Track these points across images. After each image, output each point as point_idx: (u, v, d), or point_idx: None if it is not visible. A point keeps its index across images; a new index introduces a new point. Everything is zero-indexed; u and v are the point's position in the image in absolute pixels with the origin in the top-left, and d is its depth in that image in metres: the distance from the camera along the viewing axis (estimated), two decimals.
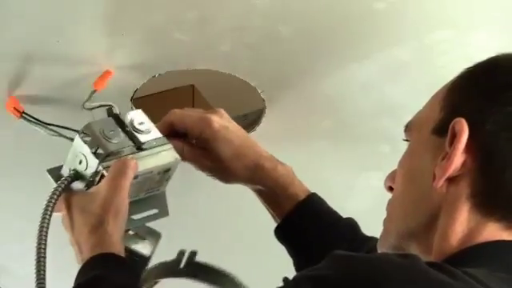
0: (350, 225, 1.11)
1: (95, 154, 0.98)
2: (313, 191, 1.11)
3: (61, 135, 1.08)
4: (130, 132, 1.01)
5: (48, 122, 1.20)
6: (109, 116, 1.03)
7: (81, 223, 0.96)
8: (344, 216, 1.12)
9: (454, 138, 0.77)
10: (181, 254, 1.21)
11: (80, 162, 0.99)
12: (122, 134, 1.00)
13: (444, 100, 0.82)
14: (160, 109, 1.47)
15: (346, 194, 1.66)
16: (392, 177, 0.90)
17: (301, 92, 1.38)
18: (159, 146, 1.02)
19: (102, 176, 0.98)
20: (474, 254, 0.75)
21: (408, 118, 0.89)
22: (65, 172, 1.02)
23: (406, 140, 0.89)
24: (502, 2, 1.18)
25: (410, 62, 1.29)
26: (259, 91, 1.36)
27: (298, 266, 1.10)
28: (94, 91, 1.06)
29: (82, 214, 0.96)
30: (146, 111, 1.44)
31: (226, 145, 1.06)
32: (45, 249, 0.95)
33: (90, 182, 0.99)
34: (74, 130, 1.04)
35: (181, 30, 1.21)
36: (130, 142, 1.00)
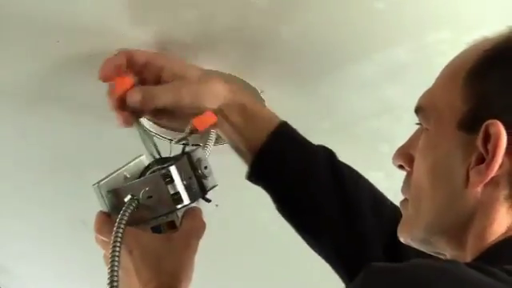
0: (325, 151, 1.09)
1: (173, 199, 0.94)
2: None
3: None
4: (199, 178, 0.97)
5: None
6: (183, 154, 0.98)
7: (144, 275, 0.91)
8: None
9: (488, 139, 0.74)
10: None
11: (149, 197, 0.93)
12: (196, 183, 0.96)
13: (467, 88, 0.78)
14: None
15: None
16: (403, 155, 0.87)
17: (300, 92, 1.38)
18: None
19: (173, 223, 0.95)
20: (509, 246, 0.73)
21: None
22: (123, 192, 0.95)
23: (419, 124, 0.86)
24: (502, 2, 1.18)
25: (410, 62, 1.28)
26: (259, 91, 1.36)
27: (277, 200, 1.07)
28: (196, 130, 0.97)
29: (150, 265, 0.91)
30: None
31: (193, 70, 1.03)
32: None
33: (153, 221, 0.95)
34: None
35: (180, 30, 1.21)
36: (200, 193, 0.97)
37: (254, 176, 1.06)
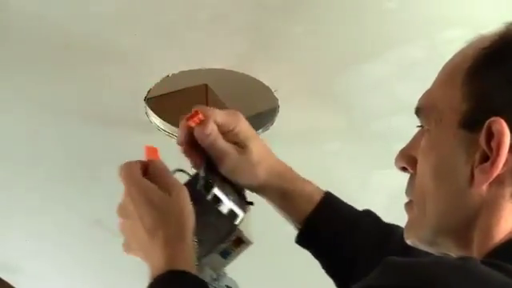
0: (372, 217, 1.08)
1: (229, 217, 0.95)
2: (325, 189, 1.09)
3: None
4: (233, 187, 0.98)
5: None
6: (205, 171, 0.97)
7: (149, 222, 0.91)
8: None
9: (491, 136, 0.73)
10: None
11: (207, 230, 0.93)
12: (235, 193, 0.98)
13: (466, 87, 0.78)
14: (173, 108, 1.48)
15: (360, 193, 1.66)
16: (406, 157, 0.86)
17: (314, 91, 1.39)
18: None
19: (239, 239, 0.94)
20: None
21: None
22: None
23: (421, 126, 0.86)
24: None
25: (422, 60, 1.28)
26: (272, 90, 1.36)
27: (327, 266, 1.08)
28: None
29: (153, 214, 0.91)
30: (160, 111, 1.45)
31: (257, 142, 1.02)
32: None
33: (220, 247, 0.95)
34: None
35: (194, 29, 1.21)
36: (244, 201, 0.98)
37: (301, 244, 1.09)
